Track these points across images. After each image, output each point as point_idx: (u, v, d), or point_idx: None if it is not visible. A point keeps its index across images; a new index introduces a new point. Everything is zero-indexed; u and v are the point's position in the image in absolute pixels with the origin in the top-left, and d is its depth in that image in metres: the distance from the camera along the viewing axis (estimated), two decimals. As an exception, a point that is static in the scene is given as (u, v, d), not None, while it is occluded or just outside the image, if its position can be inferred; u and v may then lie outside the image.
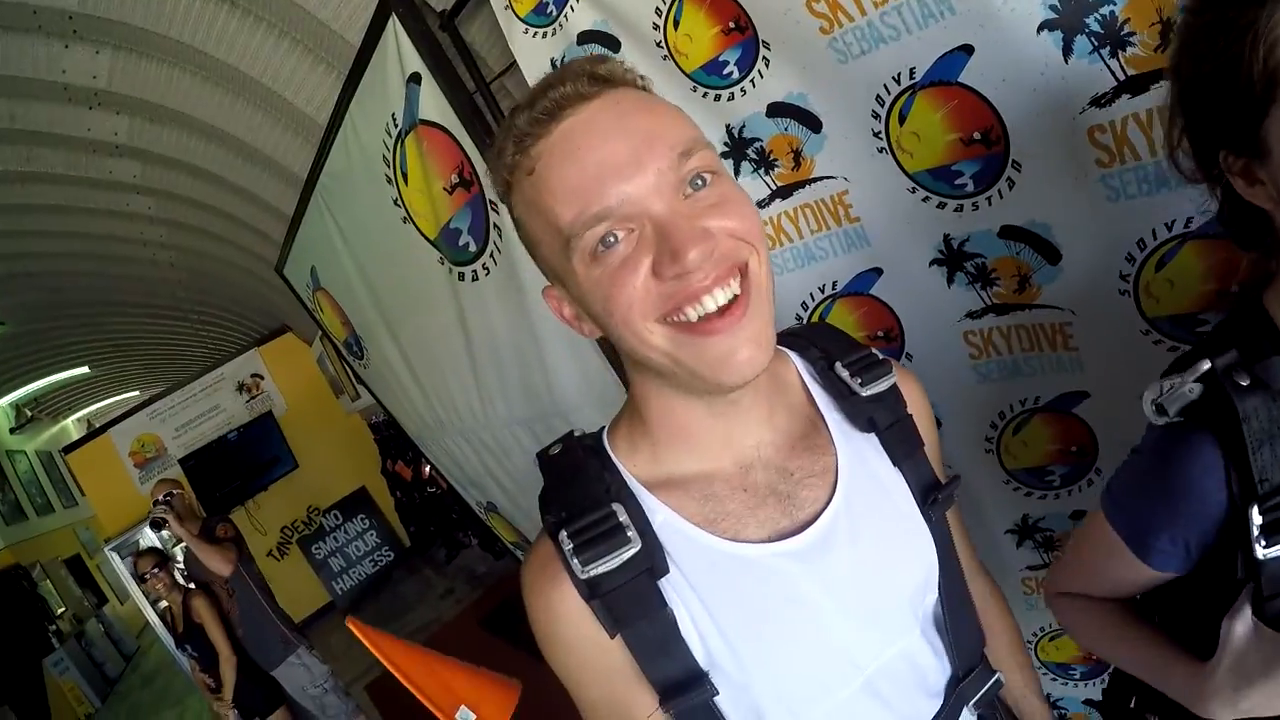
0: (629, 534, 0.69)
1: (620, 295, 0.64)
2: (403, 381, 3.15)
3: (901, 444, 0.81)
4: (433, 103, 1.94)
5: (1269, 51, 0.62)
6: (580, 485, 0.73)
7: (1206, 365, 0.72)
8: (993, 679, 0.88)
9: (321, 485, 6.98)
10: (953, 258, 1.28)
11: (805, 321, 1.54)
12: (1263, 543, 0.70)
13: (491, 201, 1.99)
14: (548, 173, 0.64)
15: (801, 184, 1.38)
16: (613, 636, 0.71)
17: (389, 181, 2.31)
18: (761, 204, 1.45)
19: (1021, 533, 1.57)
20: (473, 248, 2.15)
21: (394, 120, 2.12)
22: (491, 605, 4.60)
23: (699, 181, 0.64)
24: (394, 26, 1.89)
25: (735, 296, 0.64)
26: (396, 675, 2.12)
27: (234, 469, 6.82)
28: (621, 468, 0.76)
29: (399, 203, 2.33)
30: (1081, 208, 1.10)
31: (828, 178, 1.34)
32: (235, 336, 7.44)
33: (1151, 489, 0.80)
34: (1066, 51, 1.02)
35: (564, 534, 0.70)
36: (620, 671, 0.73)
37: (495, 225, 2.04)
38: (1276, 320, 0.74)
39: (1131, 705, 1.00)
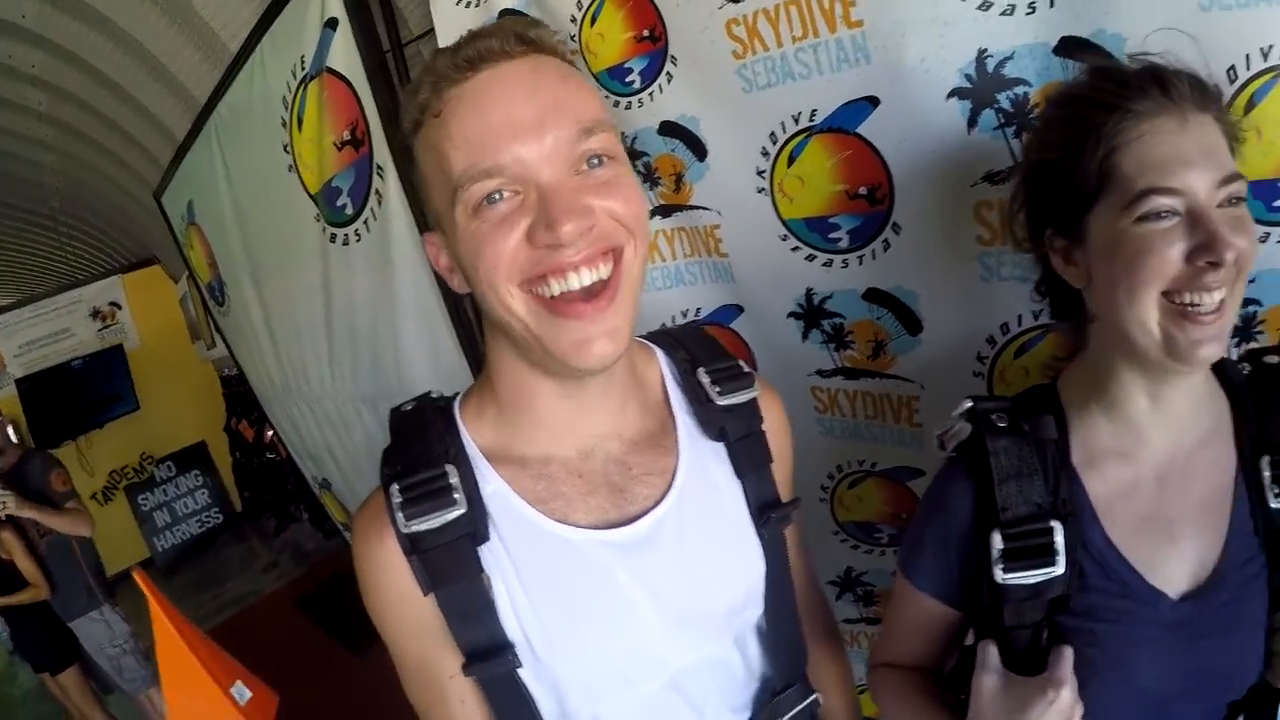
0: (455, 496, 0.65)
1: (490, 252, 0.59)
2: (259, 336, 2.77)
3: (748, 457, 0.75)
4: (343, 52, 1.71)
5: (1105, 154, 0.65)
6: (421, 444, 0.69)
7: (969, 404, 0.76)
8: (810, 699, 0.83)
9: (161, 432, 6.05)
10: (811, 313, 1.17)
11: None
12: (1002, 566, 0.71)
13: (379, 166, 1.75)
14: (452, 118, 0.59)
15: (679, 208, 1.23)
16: (426, 594, 0.66)
17: (284, 125, 2.02)
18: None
19: (844, 584, 1.48)
20: (349, 210, 1.89)
21: (302, 63, 1.86)
22: (310, 586, 4.15)
23: (595, 161, 0.60)
24: (323, -36, 1.65)
25: (603, 282, 0.60)
26: (176, 639, 1.81)
27: (72, 400, 5.77)
28: (464, 433, 0.71)
29: (288, 149, 2.04)
30: (953, 282, 1.02)
31: (703, 208, 1.20)
32: (100, 260, 6.46)
33: (920, 516, 0.83)
34: (971, 123, 0.94)
35: (395, 487, 0.66)
36: (431, 630, 0.68)
37: (377, 191, 1.78)
38: (1060, 392, 0.78)
39: None
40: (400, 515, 0.64)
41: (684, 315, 1.33)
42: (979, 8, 0.90)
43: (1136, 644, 0.71)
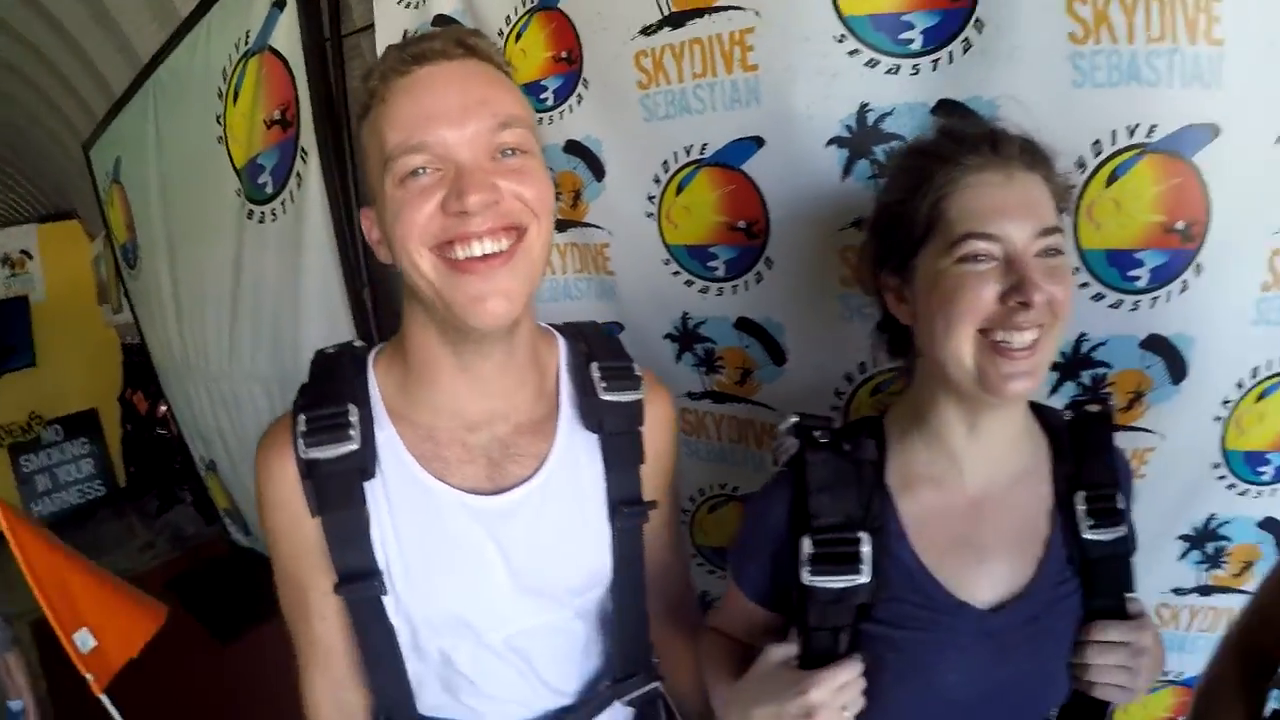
0: (352, 433, 0.71)
1: (407, 217, 0.65)
2: (165, 306, 2.64)
3: (620, 453, 0.81)
4: (286, 34, 1.71)
5: (935, 201, 0.71)
6: (332, 383, 0.76)
7: (794, 419, 0.80)
8: (649, 687, 0.90)
9: (54, 392, 5.52)
10: (686, 336, 1.20)
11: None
12: (809, 569, 0.75)
13: (303, 149, 1.73)
14: (393, 102, 0.67)
15: (574, 224, 1.25)
16: (314, 516, 0.73)
17: (220, 96, 1.98)
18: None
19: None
20: (269, 189, 1.86)
21: (247, 37, 1.84)
22: (183, 568, 3.90)
23: (509, 152, 0.67)
24: (281, -55, 1.65)
25: (503, 252, 0.66)
26: (24, 571, 1.64)
27: (-33, 341, 5.45)
28: (372, 382, 0.77)
29: (220, 120, 1.99)
30: (817, 318, 1.06)
31: (596, 227, 1.22)
32: (18, 205, 5.98)
33: (745, 523, 0.88)
34: (846, 170, 0.99)
35: (301, 416, 0.73)
36: (310, 551, 0.75)
37: (298, 174, 1.76)
38: (886, 421, 0.83)
39: None
40: (301, 442, 0.71)
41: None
42: (866, 64, 0.97)
43: (939, 652, 0.75)
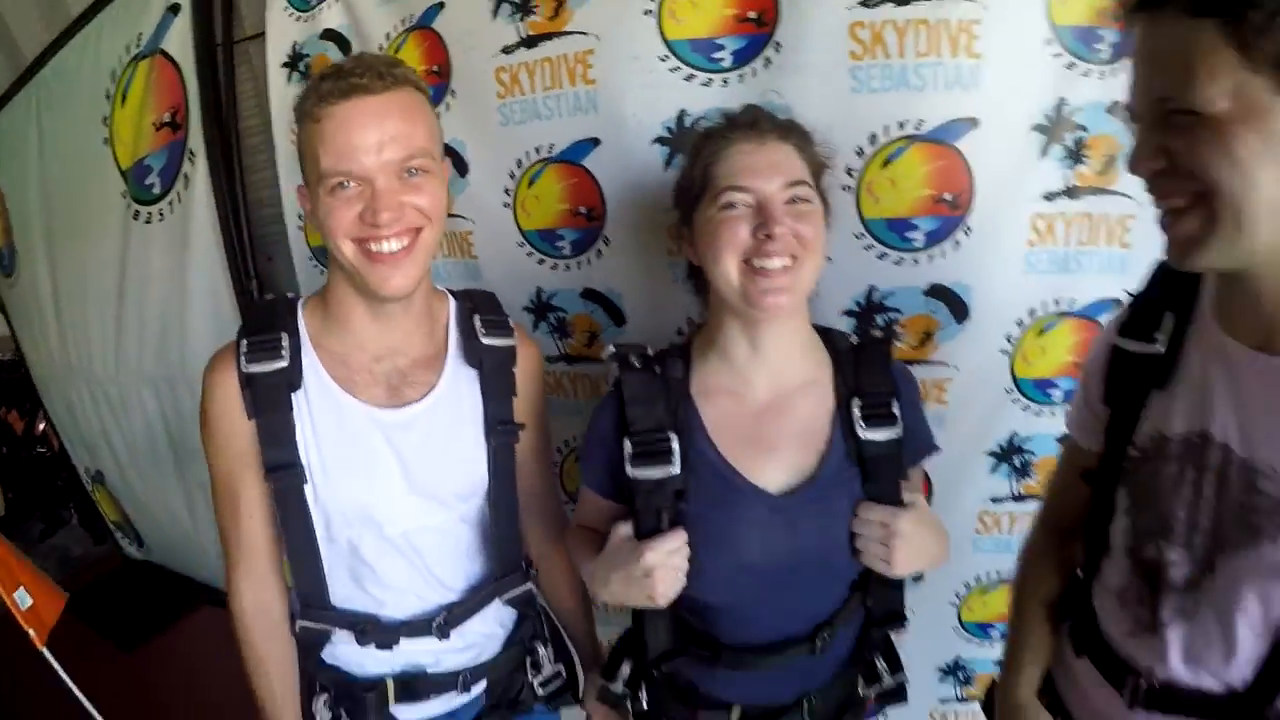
0: (284, 353, 0.91)
1: (335, 217, 0.86)
2: (45, 312, 2.51)
3: (494, 386, 1.01)
4: (179, 38, 1.75)
5: (706, 165, 0.89)
6: (269, 317, 0.95)
7: (613, 348, 0.97)
8: (524, 587, 1.08)
9: None
10: (540, 308, 1.34)
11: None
12: (631, 464, 0.92)
13: (190, 151, 1.77)
14: (326, 129, 0.84)
15: (442, 215, 1.38)
16: (250, 419, 0.91)
17: (107, 98, 1.97)
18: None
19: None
20: (156, 189, 1.87)
21: (139, 40, 1.85)
22: (76, 588, 3.64)
23: (413, 172, 0.87)
24: (179, -49, 1.69)
25: (405, 248, 0.87)
26: None
27: None
28: (301, 319, 0.96)
29: (107, 122, 1.98)
30: (651, 284, 1.23)
31: (461, 216, 1.35)
32: None
33: (586, 432, 1.02)
34: (667, 163, 1.17)
35: (244, 341, 0.92)
36: (245, 452, 0.93)
37: (185, 175, 1.79)
38: (691, 346, 0.99)
39: None
40: (244, 359, 0.90)
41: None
42: (684, 79, 1.15)
43: (739, 527, 0.91)
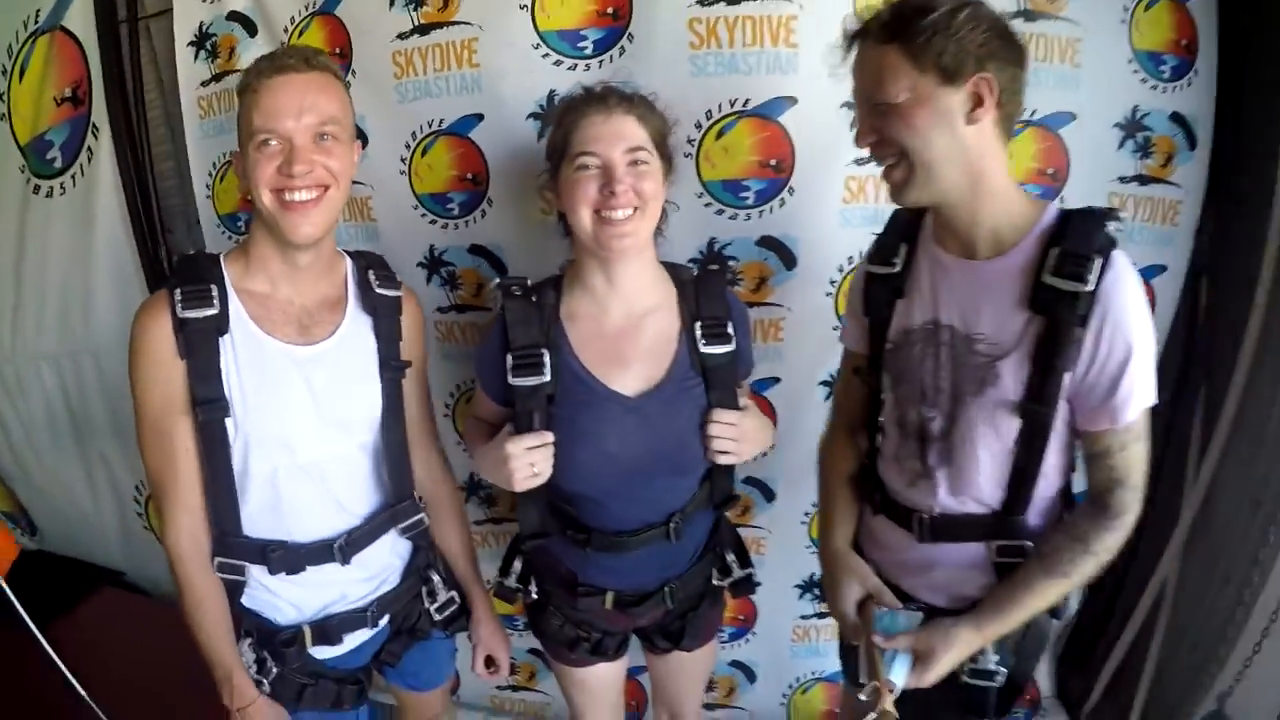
0: (213, 301, 1.06)
1: (258, 171, 1.04)
2: (-73, 295, 2.54)
3: (386, 329, 1.19)
4: (81, 15, 1.82)
5: (565, 133, 1.12)
6: (197, 270, 1.09)
7: (496, 281, 1.23)
8: (417, 517, 1.25)
9: None
10: (433, 264, 1.55)
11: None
12: (511, 374, 1.15)
13: (94, 125, 1.84)
14: (259, 97, 1.04)
15: (345, 182, 1.58)
16: (182, 359, 1.04)
17: (3, 73, 1.99)
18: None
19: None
20: (59, 164, 1.92)
21: (36, 16, 1.90)
22: None
23: (324, 137, 1.06)
24: (78, -75, 1.75)
25: (314, 199, 1.05)
26: None
27: None
28: (225, 270, 1.11)
29: (3, 98, 2.00)
30: (529, 238, 1.46)
31: (360, 183, 1.53)
32: None
33: (479, 346, 1.28)
34: (539, 135, 1.39)
35: (178, 290, 1.05)
36: (177, 392, 1.06)
37: (89, 149, 1.86)
38: (562, 278, 1.22)
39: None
40: (179, 306, 1.04)
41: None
42: (553, 64, 1.39)
43: (601, 423, 1.14)
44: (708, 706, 1.88)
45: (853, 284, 1.21)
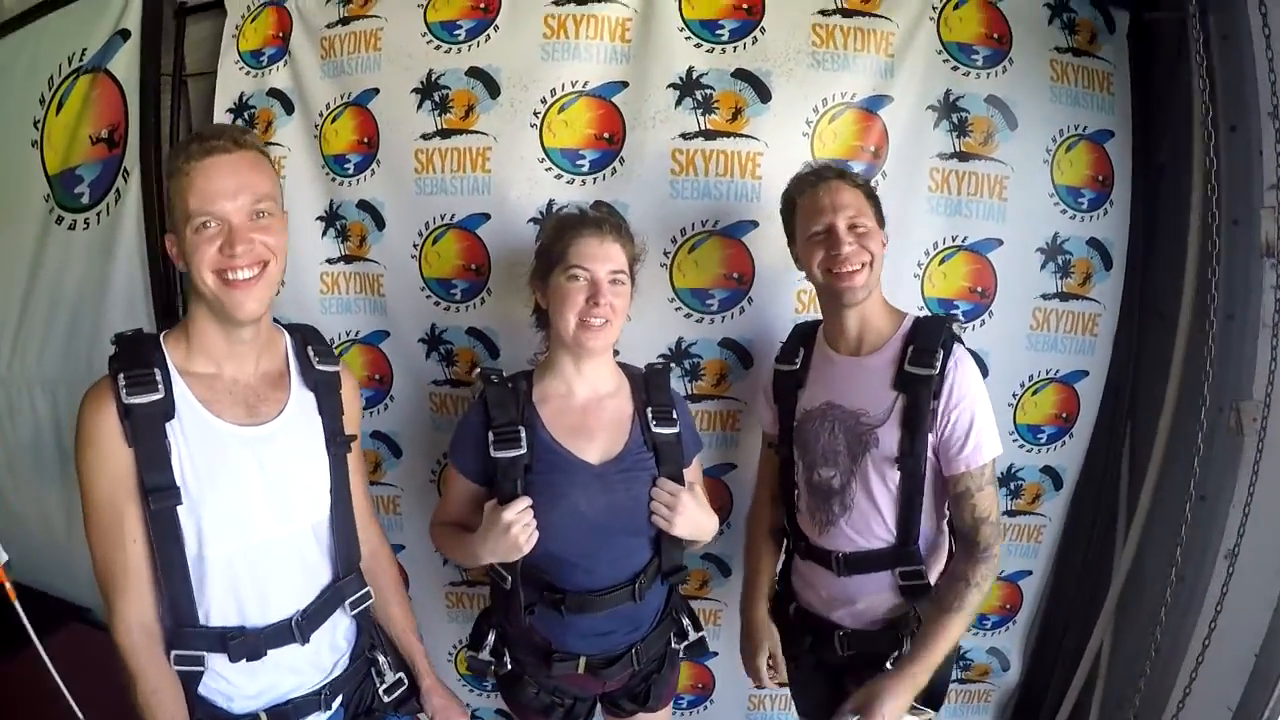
0: (158, 385, 1.14)
1: (199, 255, 1.14)
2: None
3: (328, 403, 1.33)
4: (126, 63, 2.13)
5: (561, 249, 1.48)
6: (138, 353, 1.18)
7: (479, 369, 1.68)
8: (364, 590, 1.38)
9: None
10: (433, 340, 1.95)
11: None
12: (493, 447, 1.43)
13: (125, 169, 2.14)
14: (193, 179, 1.14)
15: (359, 259, 1.97)
16: (130, 446, 1.12)
17: (41, 102, 2.31)
18: (333, 260, 1.96)
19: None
20: (86, 199, 2.23)
21: (81, 54, 2.20)
22: None
23: (260, 214, 1.17)
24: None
25: (255, 277, 1.17)
26: None
27: None
28: (166, 352, 1.20)
29: (38, 125, 2.32)
30: (518, 325, 1.80)
31: (374, 261, 1.93)
32: None
33: (459, 427, 1.55)
34: (538, 238, 1.68)
35: (121, 376, 1.13)
36: (125, 478, 1.13)
37: (118, 190, 2.17)
38: (534, 371, 1.56)
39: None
40: (124, 392, 1.11)
41: (348, 334, 1.98)
42: (555, 177, 1.77)
43: (569, 488, 1.43)
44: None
45: (765, 380, 1.67)
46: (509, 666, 1.57)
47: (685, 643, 1.64)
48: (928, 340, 1.45)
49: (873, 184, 1.60)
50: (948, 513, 1.52)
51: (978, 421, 1.42)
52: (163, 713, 1.16)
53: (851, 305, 1.48)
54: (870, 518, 1.51)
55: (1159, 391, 1.85)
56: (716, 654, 1.73)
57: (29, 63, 2.36)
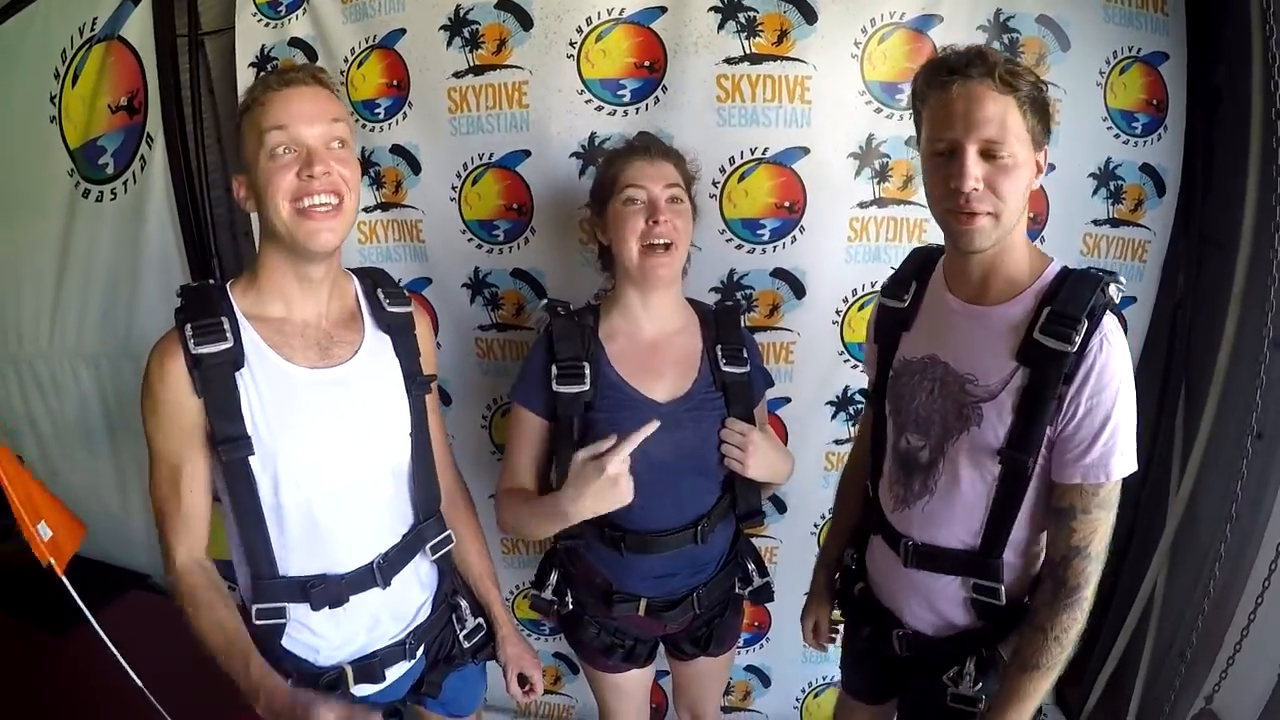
0: (227, 335, 1.14)
1: (275, 180, 1.14)
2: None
3: (403, 346, 1.33)
4: (139, 28, 2.15)
5: (614, 176, 1.47)
6: (205, 303, 1.18)
7: (544, 302, 1.60)
8: (445, 533, 1.40)
9: None
10: (477, 285, 1.95)
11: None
12: (556, 382, 1.45)
13: (149, 135, 2.18)
14: (271, 107, 1.15)
15: (395, 205, 1.97)
16: (199, 397, 1.13)
17: (56, 77, 2.33)
18: (369, 209, 1.97)
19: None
20: (110, 169, 2.26)
21: (93, 24, 2.23)
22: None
23: (337, 144, 1.18)
24: (141, -60, 2.04)
25: (333, 205, 1.16)
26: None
27: None
28: (233, 300, 1.20)
29: (55, 100, 2.34)
30: (567, 265, 1.88)
31: (412, 207, 1.94)
32: None
33: (524, 363, 1.55)
34: (581, 172, 1.82)
35: (188, 326, 1.14)
36: (191, 430, 1.15)
37: (142, 157, 2.21)
38: (601, 304, 1.56)
39: None
40: (191, 342, 1.12)
41: (390, 284, 2.00)
42: (595, 109, 1.76)
43: (635, 425, 1.37)
44: (725, 709, 2.24)
45: (871, 312, 1.51)
46: (570, 606, 1.60)
47: (750, 588, 1.65)
48: (1071, 304, 1.11)
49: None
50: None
51: (1113, 425, 1.10)
52: (223, 633, 1.15)
53: (971, 252, 1.18)
54: (954, 509, 1.25)
55: (1218, 324, 1.81)
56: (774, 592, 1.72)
57: (39, 39, 2.38)
